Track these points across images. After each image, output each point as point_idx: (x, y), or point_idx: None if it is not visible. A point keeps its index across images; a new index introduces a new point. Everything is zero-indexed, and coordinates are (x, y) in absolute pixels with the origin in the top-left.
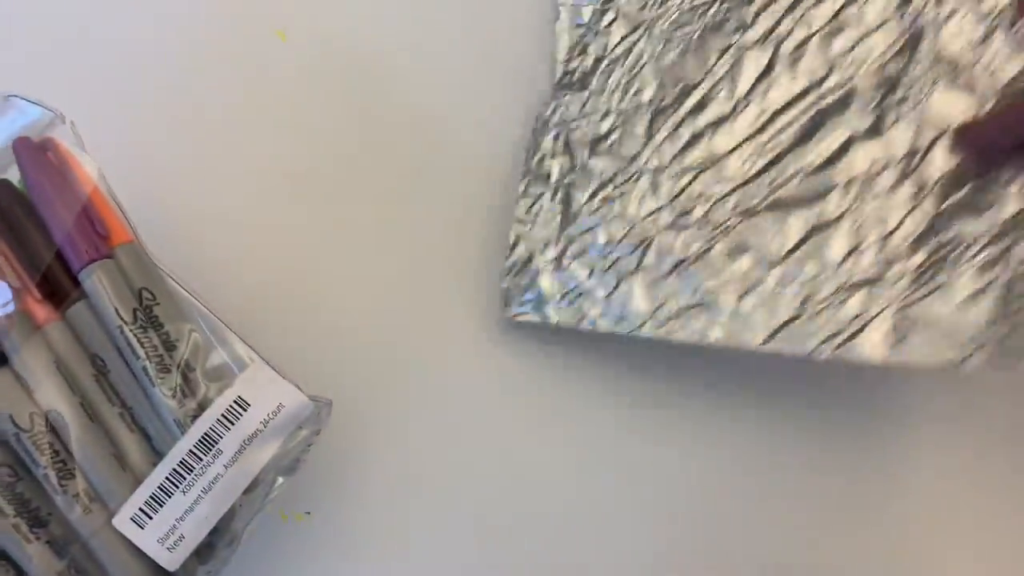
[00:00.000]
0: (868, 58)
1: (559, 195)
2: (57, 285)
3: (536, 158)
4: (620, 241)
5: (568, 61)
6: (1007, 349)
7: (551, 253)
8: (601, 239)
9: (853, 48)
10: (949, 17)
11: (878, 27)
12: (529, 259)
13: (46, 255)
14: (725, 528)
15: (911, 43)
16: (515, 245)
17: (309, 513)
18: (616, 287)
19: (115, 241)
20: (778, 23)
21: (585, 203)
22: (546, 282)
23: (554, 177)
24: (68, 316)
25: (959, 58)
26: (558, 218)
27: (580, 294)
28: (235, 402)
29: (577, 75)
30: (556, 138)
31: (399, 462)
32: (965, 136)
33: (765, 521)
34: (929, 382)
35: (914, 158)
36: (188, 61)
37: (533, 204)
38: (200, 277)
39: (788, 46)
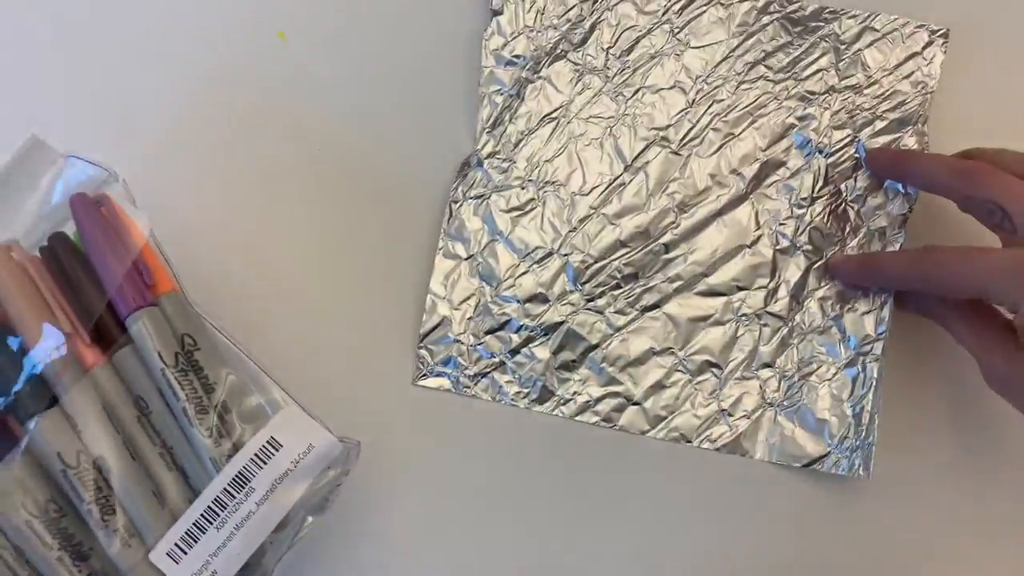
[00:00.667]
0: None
1: (477, 264)
2: (105, 330)
3: (455, 224)
4: (535, 319)
5: (490, 130)
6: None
7: (467, 326)
8: (516, 315)
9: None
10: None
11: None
12: (444, 327)
13: (97, 303)
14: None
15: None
16: (431, 312)
17: None
18: (528, 367)
19: (160, 290)
20: (693, 126)
21: (504, 279)
22: (460, 353)
23: (472, 246)
24: (115, 360)
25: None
26: (475, 288)
27: (495, 367)
28: (268, 443)
29: (498, 145)
30: (476, 207)
31: (399, 462)
32: (832, 270)
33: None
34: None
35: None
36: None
37: (450, 272)
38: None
39: (701, 150)
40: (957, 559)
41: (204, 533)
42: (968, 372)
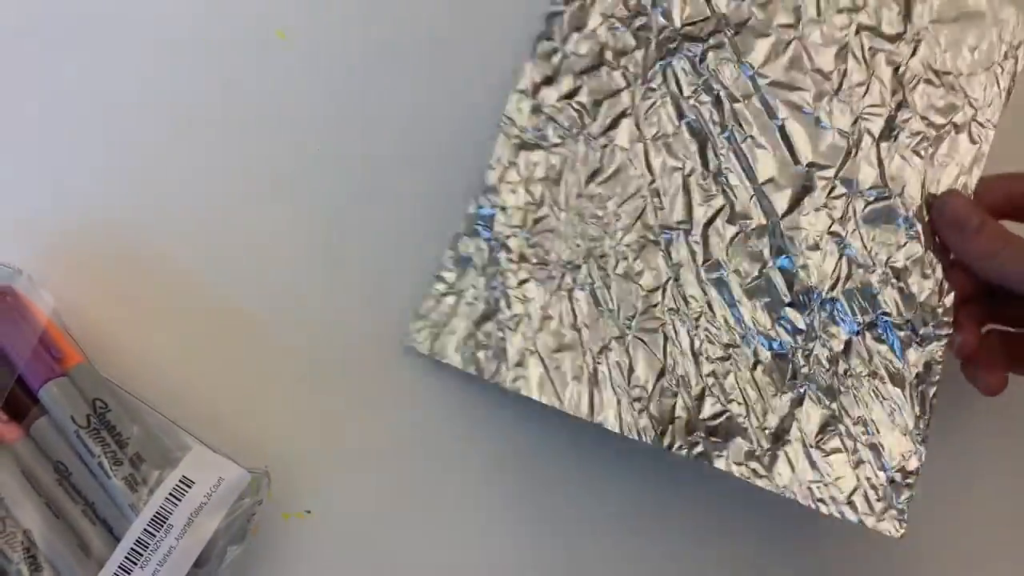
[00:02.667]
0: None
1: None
2: (22, 407)
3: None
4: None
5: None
6: None
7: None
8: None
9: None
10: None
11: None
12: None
13: (8, 381)
14: None
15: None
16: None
17: (309, 512)
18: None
19: (69, 363)
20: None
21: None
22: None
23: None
24: (33, 430)
25: None
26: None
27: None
28: (180, 481)
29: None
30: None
31: (397, 461)
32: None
33: None
34: None
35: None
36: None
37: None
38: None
39: None
40: None
41: (129, 574)
42: None
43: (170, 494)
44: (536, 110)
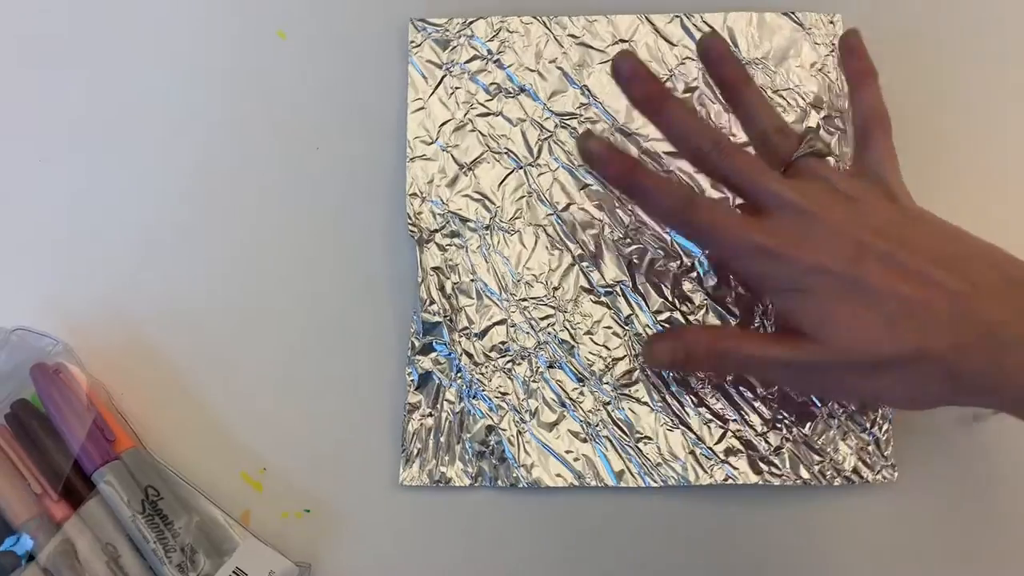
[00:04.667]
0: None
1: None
2: (72, 485)
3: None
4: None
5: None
6: None
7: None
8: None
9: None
10: None
11: None
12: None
13: (63, 463)
14: None
15: None
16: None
17: (309, 511)
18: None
19: (121, 447)
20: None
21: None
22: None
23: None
24: (83, 512)
25: None
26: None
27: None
28: (233, 572)
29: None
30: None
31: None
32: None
33: None
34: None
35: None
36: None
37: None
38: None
39: None
40: None
41: None
42: None
43: None
44: (433, 211)
